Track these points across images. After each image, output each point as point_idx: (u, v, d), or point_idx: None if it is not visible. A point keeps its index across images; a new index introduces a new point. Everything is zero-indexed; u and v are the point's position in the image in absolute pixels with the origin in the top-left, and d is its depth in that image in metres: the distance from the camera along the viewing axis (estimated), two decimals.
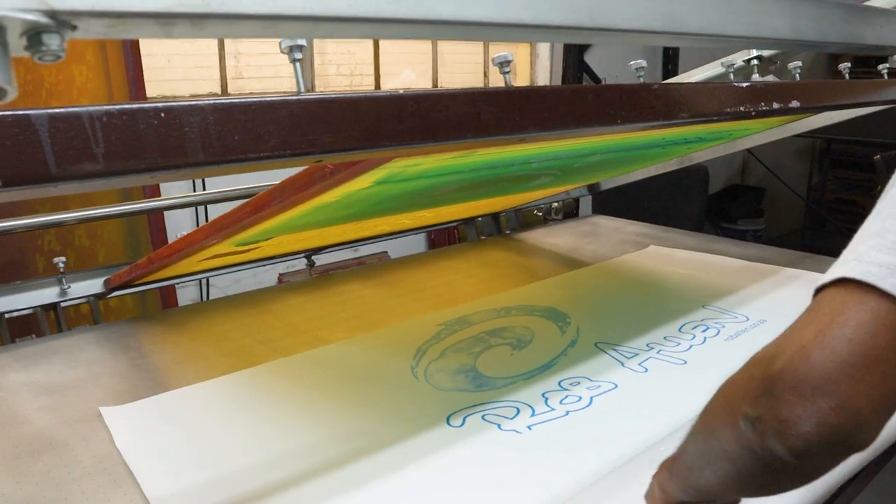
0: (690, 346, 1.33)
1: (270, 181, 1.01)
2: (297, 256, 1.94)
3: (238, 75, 3.37)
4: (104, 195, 2.01)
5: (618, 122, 0.91)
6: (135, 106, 0.53)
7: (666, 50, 4.53)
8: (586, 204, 2.94)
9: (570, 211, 2.91)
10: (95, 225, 2.30)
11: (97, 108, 0.52)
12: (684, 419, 1.04)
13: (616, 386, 1.18)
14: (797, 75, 1.32)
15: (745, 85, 1.13)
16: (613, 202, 2.81)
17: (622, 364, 1.26)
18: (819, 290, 0.53)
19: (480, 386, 1.19)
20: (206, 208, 2.55)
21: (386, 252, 3.39)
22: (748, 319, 1.46)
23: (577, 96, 0.86)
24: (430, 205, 1.55)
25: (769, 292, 1.64)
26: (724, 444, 0.55)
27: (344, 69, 3.62)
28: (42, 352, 1.37)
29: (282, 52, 0.64)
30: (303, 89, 0.64)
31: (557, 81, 4.02)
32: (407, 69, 3.85)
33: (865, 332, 0.48)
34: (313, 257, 1.98)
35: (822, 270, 0.56)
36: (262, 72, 3.53)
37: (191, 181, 2.32)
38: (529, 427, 1.05)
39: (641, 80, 1.04)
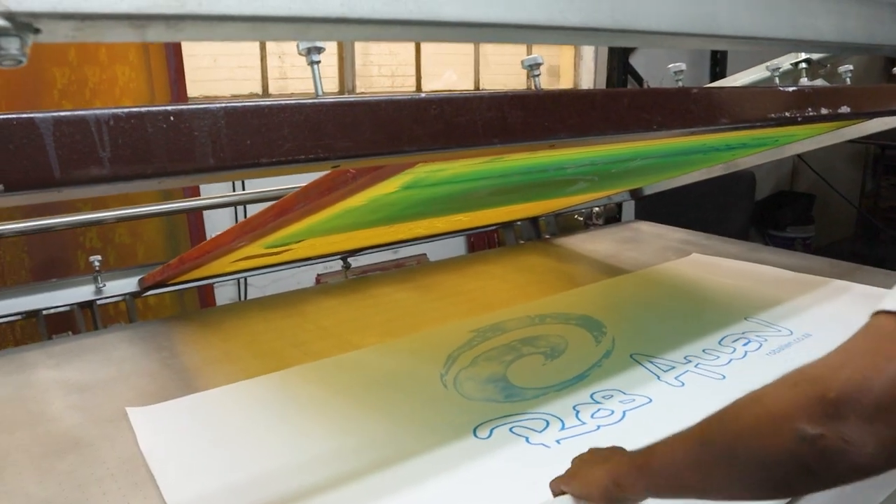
0: (730, 360, 1.28)
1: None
2: (333, 258, 1.94)
3: (282, 75, 3.38)
4: (144, 194, 2.03)
5: (654, 128, 0.87)
6: (143, 109, 0.52)
7: (714, 52, 4.43)
8: (629, 209, 2.89)
9: (612, 216, 2.86)
10: (136, 223, 2.33)
11: (104, 111, 0.51)
12: None
13: (650, 400, 1.14)
14: (847, 79, 1.26)
15: (791, 89, 1.08)
16: (657, 207, 2.75)
17: (658, 377, 1.22)
18: (879, 313, 0.54)
19: (510, 396, 1.16)
20: (245, 208, 2.56)
21: (425, 254, 3.37)
22: (792, 333, 1.40)
23: (611, 100, 0.83)
24: (463, 209, 1.53)
25: (816, 305, 1.58)
26: (760, 455, 0.57)
27: (385, 70, 3.62)
28: (75, 349, 1.38)
29: (300, 53, 0.62)
30: (321, 92, 0.62)
31: (602, 84, 3.97)
32: (448, 70, 3.83)
33: None
34: (350, 259, 1.97)
35: (874, 283, 0.53)
36: (307, 72, 3.54)
37: (230, 180, 2.33)
38: (558, 441, 1.02)
39: (680, 83, 1.00)
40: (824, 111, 1.12)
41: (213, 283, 1.85)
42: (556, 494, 0.83)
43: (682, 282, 1.81)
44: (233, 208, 2.65)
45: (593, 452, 0.85)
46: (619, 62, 3.94)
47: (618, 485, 0.74)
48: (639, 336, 1.40)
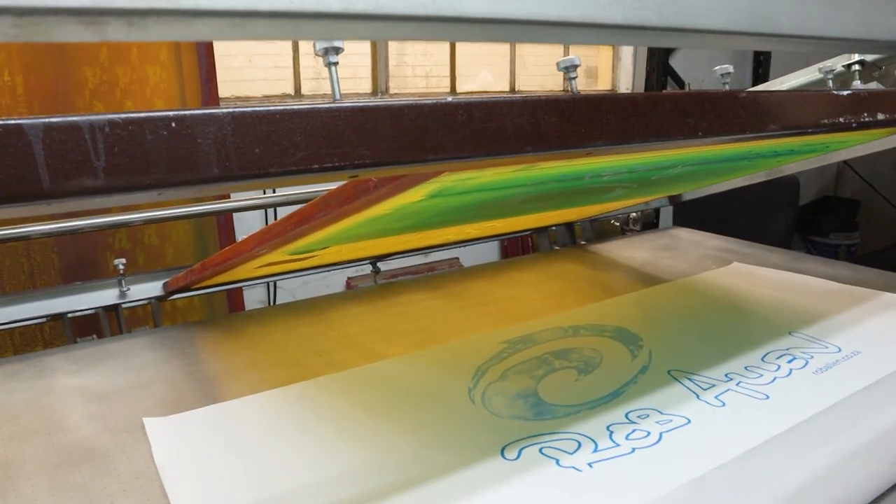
0: (774, 379, 1.21)
1: None
2: (362, 263, 1.90)
3: (317, 75, 3.36)
4: None
5: (699, 135, 0.82)
6: (142, 115, 0.48)
7: (757, 54, 4.32)
8: (667, 214, 2.81)
9: (649, 222, 2.78)
10: (165, 225, 2.32)
11: (99, 117, 0.47)
12: (764, 462, 0.94)
13: (689, 421, 1.07)
14: None
15: (845, 93, 1.01)
16: (696, 213, 2.68)
17: (697, 396, 1.16)
18: None
19: (540, 414, 1.11)
20: (275, 210, 2.53)
21: (457, 258, 3.33)
22: (840, 350, 1.33)
23: (653, 105, 0.77)
24: (494, 216, 1.48)
25: (864, 320, 1.50)
26: None
27: (419, 71, 3.58)
28: (97, 354, 1.36)
29: (316, 54, 0.57)
30: (338, 96, 0.58)
31: (640, 87, 3.89)
32: (484, 71, 3.78)
33: None
34: (380, 263, 1.93)
35: None
36: (343, 72, 3.51)
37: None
38: (590, 464, 0.97)
39: (727, 87, 0.94)
40: (881, 116, 1.05)
41: (242, 286, 1.83)
42: None
43: (723, 293, 1.74)
44: (263, 211, 2.63)
45: None
46: (658, 63, 3.85)
47: None
48: (677, 351, 1.34)
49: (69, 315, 1.52)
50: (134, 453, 1.02)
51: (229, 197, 2.10)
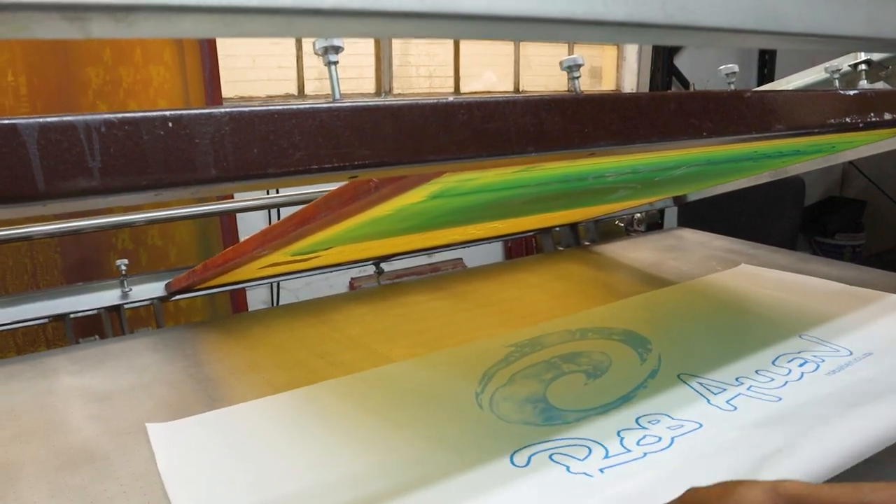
0: (786, 383, 1.20)
1: None
2: (365, 263, 1.89)
3: (320, 76, 3.36)
4: None
5: (703, 135, 0.81)
6: (138, 115, 0.47)
7: (762, 52, 4.30)
8: (672, 215, 2.80)
9: (653, 222, 2.77)
10: (168, 225, 2.31)
11: (95, 117, 0.46)
12: (777, 467, 0.92)
13: (700, 426, 1.06)
14: None
15: (852, 93, 1.00)
16: (701, 214, 2.67)
17: (708, 401, 1.14)
18: None
19: (550, 419, 1.10)
20: (278, 211, 2.53)
21: (461, 259, 3.32)
22: (851, 353, 1.31)
23: (657, 105, 0.76)
24: (497, 217, 1.47)
25: (874, 322, 1.48)
26: None
27: (423, 71, 3.57)
28: (99, 355, 1.35)
29: (316, 53, 0.57)
30: (338, 96, 0.57)
31: (645, 87, 3.87)
32: (488, 71, 3.77)
33: None
34: (383, 264, 1.93)
35: None
36: (346, 72, 3.51)
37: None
38: (601, 470, 0.95)
39: (732, 86, 0.93)
40: (888, 116, 1.04)
41: (245, 286, 1.82)
42: None
43: (731, 295, 1.73)
44: (266, 211, 2.63)
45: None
46: (663, 63, 3.84)
47: None
48: (686, 354, 1.33)
49: (71, 316, 1.52)
50: (134, 455, 1.02)
51: (232, 197, 2.10)
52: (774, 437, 1.01)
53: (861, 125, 1.00)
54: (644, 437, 1.03)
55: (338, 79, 0.57)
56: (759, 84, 4.11)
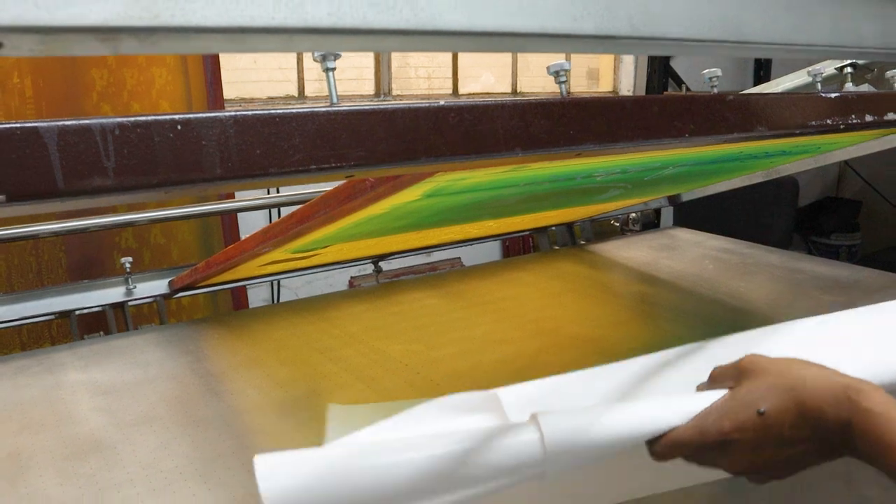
0: None
1: None
2: (364, 262, 1.93)
3: (320, 77, 3.39)
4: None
5: (686, 136, 0.84)
6: (149, 118, 0.51)
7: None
8: (668, 215, 2.83)
9: (649, 221, 2.80)
10: (171, 224, 2.35)
11: (109, 120, 0.50)
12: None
13: None
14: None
15: (832, 96, 1.04)
16: (697, 213, 2.70)
17: None
18: None
19: None
20: (279, 210, 2.57)
21: (459, 258, 3.36)
22: None
23: (640, 107, 0.80)
24: (490, 216, 1.50)
25: None
26: None
27: (422, 72, 3.61)
28: (104, 351, 1.39)
29: (314, 60, 0.60)
30: (335, 100, 0.61)
31: (642, 89, 3.91)
32: (486, 73, 3.81)
33: None
34: (382, 263, 1.96)
35: None
36: (345, 73, 3.55)
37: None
38: None
39: (715, 90, 0.96)
40: (869, 118, 1.07)
41: (246, 284, 1.86)
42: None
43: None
44: (267, 211, 2.66)
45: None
46: (659, 65, 3.88)
47: (858, 390, 0.56)
48: None
49: (77, 312, 1.55)
50: (140, 446, 1.05)
51: (234, 197, 2.14)
52: None
53: (842, 127, 1.04)
54: None
55: (335, 84, 0.61)
56: (755, 85, 4.15)
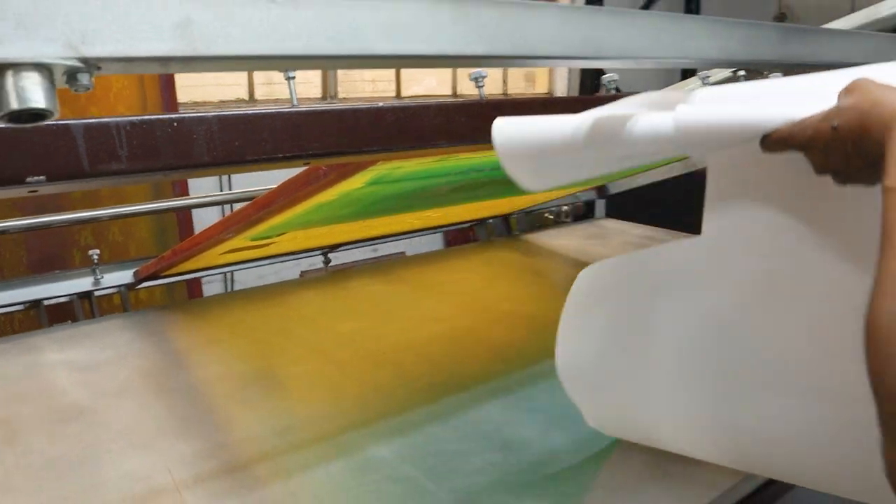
0: None
1: None
2: (315, 254, 2.07)
3: (268, 81, 3.51)
4: (136, 193, 2.16)
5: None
6: (153, 117, 0.66)
7: None
8: (601, 206, 3.00)
9: (582, 214, 2.99)
10: (128, 222, 2.46)
11: (123, 119, 0.65)
12: None
13: None
14: None
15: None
16: (630, 206, 2.86)
17: None
18: None
19: None
20: (231, 207, 2.68)
21: (404, 252, 3.51)
22: None
23: (545, 108, 0.97)
24: (428, 205, 1.66)
25: None
26: None
27: (367, 75, 3.76)
28: (77, 335, 1.50)
29: (279, 71, 0.76)
30: (296, 102, 0.76)
31: (575, 90, 4.12)
32: (429, 77, 3.98)
33: None
34: (331, 256, 2.10)
35: None
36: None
37: (217, 181, 2.46)
38: None
39: (614, 91, 1.14)
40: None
41: (202, 276, 1.98)
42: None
43: None
44: (220, 207, 2.78)
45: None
46: (591, 69, 4.10)
47: None
48: None
49: (45, 302, 1.66)
50: (120, 411, 1.18)
51: (188, 193, 2.26)
52: None
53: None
54: None
55: (295, 89, 0.76)
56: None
